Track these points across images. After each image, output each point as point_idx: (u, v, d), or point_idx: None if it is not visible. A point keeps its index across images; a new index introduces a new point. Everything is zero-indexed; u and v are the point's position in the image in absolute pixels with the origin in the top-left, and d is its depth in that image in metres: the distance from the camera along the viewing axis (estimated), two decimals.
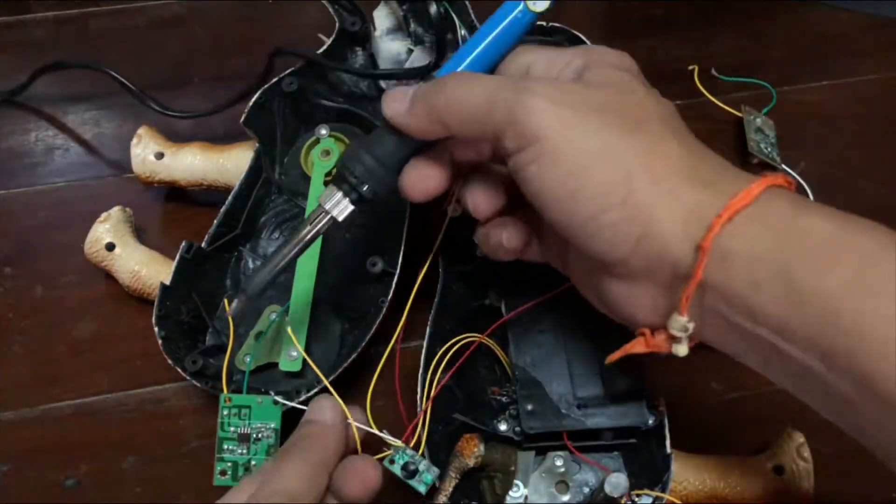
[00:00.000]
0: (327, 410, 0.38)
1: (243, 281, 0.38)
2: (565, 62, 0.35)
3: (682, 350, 0.32)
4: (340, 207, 0.37)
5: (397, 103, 0.35)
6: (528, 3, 0.36)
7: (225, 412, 0.41)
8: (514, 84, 0.33)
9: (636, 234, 0.31)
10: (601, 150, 0.31)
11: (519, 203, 0.37)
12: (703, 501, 0.41)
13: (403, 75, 0.48)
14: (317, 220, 0.37)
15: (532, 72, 0.36)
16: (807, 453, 0.42)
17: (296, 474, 0.35)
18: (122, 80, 0.55)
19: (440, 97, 0.34)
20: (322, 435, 0.37)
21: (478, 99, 0.33)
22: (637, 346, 0.33)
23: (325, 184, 0.47)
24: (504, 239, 0.38)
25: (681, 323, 0.31)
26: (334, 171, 0.37)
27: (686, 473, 0.41)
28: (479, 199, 0.37)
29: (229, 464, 0.41)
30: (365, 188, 0.36)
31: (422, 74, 0.47)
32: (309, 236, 0.37)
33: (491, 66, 0.37)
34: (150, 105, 0.54)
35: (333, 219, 0.37)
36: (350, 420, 0.38)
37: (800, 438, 0.42)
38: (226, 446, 0.41)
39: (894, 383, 0.26)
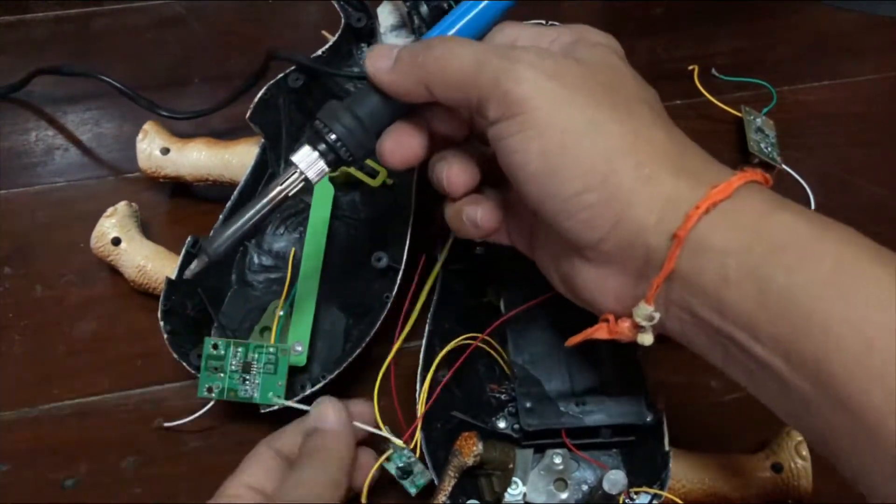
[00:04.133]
0: (331, 415, 0.38)
1: (206, 244, 0.36)
2: (553, 38, 0.35)
3: (647, 339, 0.32)
4: (315, 169, 0.35)
5: (381, 61, 0.34)
6: None
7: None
8: (504, 51, 0.32)
9: (613, 218, 0.31)
10: (586, 129, 0.30)
11: (489, 183, 0.37)
12: (702, 499, 0.41)
13: None
14: (288, 181, 0.35)
15: (519, 43, 0.35)
16: (805, 451, 0.42)
17: (319, 488, 0.35)
18: (119, 85, 0.55)
19: (427, 57, 0.32)
20: (334, 442, 0.37)
21: (465, 62, 0.32)
22: (599, 332, 0.33)
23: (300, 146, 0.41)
24: (479, 217, 0.36)
25: (647, 312, 0.31)
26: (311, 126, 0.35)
27: (684, 471, 0.41)
28: (455, 174, 0.36)
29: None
30: (343, 149, 0.34)
31: None
32: (279, 197, 0.35)
33: (477, 36, 0.36)
34: (145, 107, 0.54)
35: (306, 179, 0.35)
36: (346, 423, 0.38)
37: (798, 437, 0.42)
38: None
39: (855, 386, 0.26)
